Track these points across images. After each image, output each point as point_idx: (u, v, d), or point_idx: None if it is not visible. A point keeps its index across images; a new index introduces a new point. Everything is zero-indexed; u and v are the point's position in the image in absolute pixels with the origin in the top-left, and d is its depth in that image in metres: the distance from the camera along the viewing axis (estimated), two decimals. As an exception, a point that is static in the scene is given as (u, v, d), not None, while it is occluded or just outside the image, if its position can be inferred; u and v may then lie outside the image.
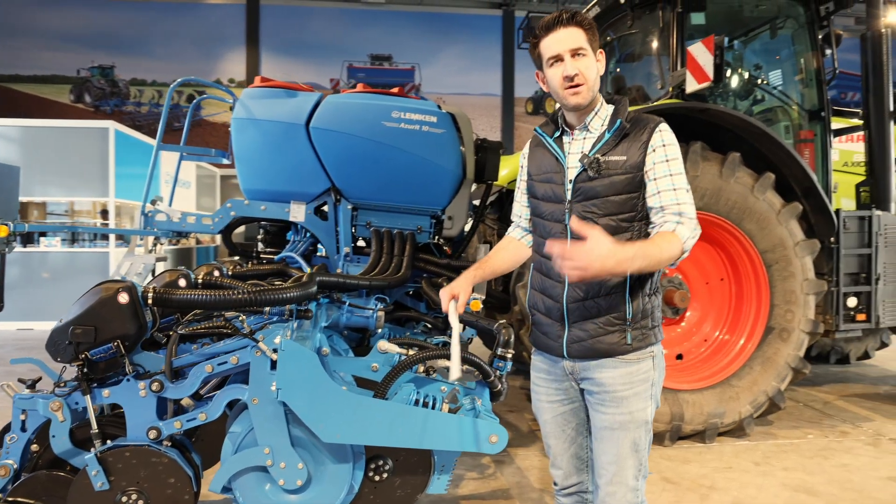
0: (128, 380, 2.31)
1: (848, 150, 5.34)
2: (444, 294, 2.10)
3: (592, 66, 1.91)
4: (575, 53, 1.89)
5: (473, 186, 4.63)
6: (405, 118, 4.40)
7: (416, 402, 2.45)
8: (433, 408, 2.44)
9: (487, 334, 3.42)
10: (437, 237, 4.75)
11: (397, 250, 4.38)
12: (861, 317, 4.57)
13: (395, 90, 4.70)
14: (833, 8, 4.84)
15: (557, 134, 2.04)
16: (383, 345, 2.69)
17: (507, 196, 5.65)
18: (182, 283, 2.95)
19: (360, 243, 4.61)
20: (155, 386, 2.27)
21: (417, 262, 4.44)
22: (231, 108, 5.11)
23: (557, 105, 2.05)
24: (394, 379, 2.46)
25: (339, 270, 4.49)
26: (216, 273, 3.81)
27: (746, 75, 5.22)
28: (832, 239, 4.49)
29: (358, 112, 4.38)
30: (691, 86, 4.26)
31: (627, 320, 1.91)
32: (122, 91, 15.84)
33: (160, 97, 15.85)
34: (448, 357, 2.59)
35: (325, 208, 4.71)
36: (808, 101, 5.03)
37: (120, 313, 2.24)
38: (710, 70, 4.14)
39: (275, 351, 2.23)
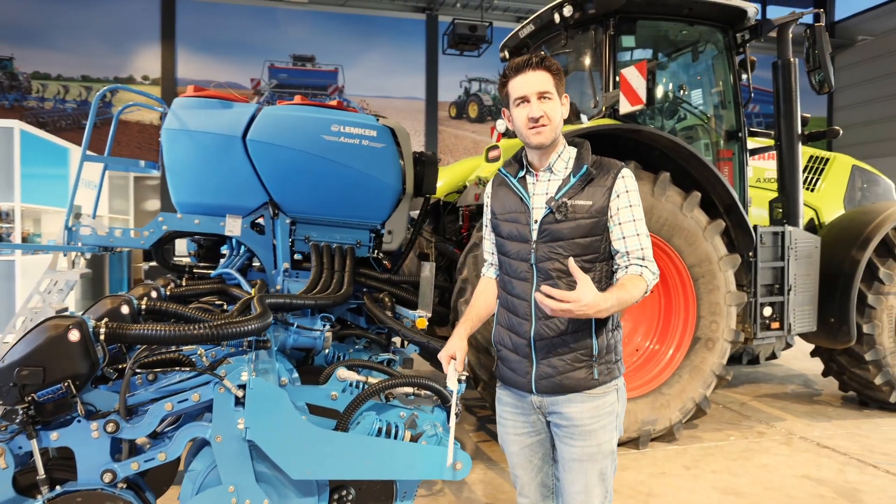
0: (78, 421, 2.18)
1: (760, 167, 5.73)
2: (444, 358, 2.13)
3: (557, 109, 2.00)
4: (541, 96, 1.98)
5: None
6: (345, 132, 4.39)
7: (379, 431, 2.46)
8: (395, 436, 2.45)
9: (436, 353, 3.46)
10: (376, 251, 4.75)
11: (338, 265, 4.35)
12: (775, 325, 4.93)
13: (334, 103, 4.67)
14: (748, 37, 5.19)
15: (521, 174, 2.11)
16: (343, 373, 2.67)
17: (443, 208, 5.71)
18: (125, 310, 2.82)
19: (297, 257, 4.54)
20: (110, 427, 2.15)
21: (358, 277, 4.43)
22: (161, 118, 4.91)
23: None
24: (356, 409, 2.45)
25: (278, 287, 4.41)
26: (154, 294, 3.67)
27: (671, 95, 5.50)
28: (751, 253, 4.81)
29: (297, 125, 4.33)
30: (625, 107, 4.45)
31: (594, 356, 2.00)
32: (23, 85, 14.72)
33: (66, 93, 14.87)
34: (413, 385, 2.62)
35: (262, 222, 4.61)
36: (726, 122, 5.37)
37: (70, 351, 2.12)
38: (642, 94, 4.36)
39: (240, 388, 2.17)
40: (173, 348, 2.46)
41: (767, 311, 4.90)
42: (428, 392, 2.69)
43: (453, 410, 2.13)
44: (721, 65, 5.33)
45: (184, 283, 4.45)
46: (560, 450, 2.07)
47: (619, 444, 4.39)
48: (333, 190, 4.37)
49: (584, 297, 1.77)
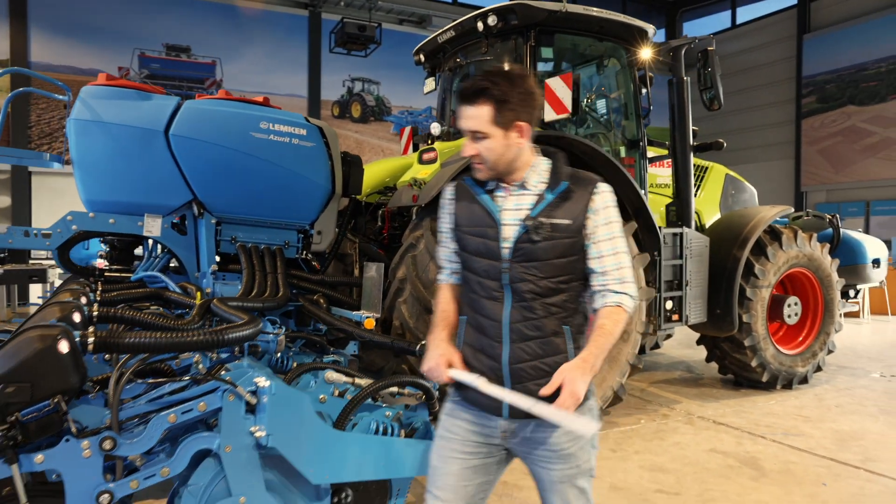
0: (66, 440, 1.99)
1: (652, 174, 6.29)
2: (439, 367, 1.94)
3: (495, 148, 1.84)
4: (474, 136, 1.85)
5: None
6: (274, 129, 4.32)
7: (376, 431, 2.48)
8: (392, 435, 2.48)
9: (406, 353, 3.50)
10: (304, 252, 4.69)
11: (269, 267, 4.26)
12: (675, 317, 5.45)
13: (261, 99, 4.55)
14: (648, 54, 5.69)
15: (490, 187, 1.95)
16: (331, 375, 2.65)
17: (364, 209, 5.70)
18: (76, 318, 2.60)
19: (217, 259, 4.36)
20: (107, 444, 1.98)
21: (290, 279, 4.35)
22: (66, 107, 4.51)
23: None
24: (353, 411, 2.45)
25: (208, 290, 4.21)
26: (83, 300, 3.39)
27: (582, 106, 5.89)
28: (656, 252, 5.29)
29: (224, 121, 4.19)
30: (549, 115, 4.73)
31: None
32: None
33: None
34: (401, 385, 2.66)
35: (180, 221, 4.39)
36: (628, 131, 5.85)
37: (60, 364, 1.93)
38: (568, 103, 4.66)
39: (252, 394, 2.10)
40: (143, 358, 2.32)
41: (669, 305, 5.41)
42: (412, 390, 2.74)
43: (482, 381, 1.89)
44: (624, 79, 5.80)
45: (99, 288, 4.12)
46: (539, 473, 1.94)
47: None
48: (262, 189, 4.25)
49: (577, 383, 1.72)
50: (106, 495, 2.01)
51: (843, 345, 8.41)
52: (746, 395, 5.95)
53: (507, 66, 1.86)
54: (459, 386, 1.96)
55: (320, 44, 16.59)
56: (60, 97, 4.78)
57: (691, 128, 5.78)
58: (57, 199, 13.34)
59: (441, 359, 1.95)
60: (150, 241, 4.61)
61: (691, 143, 5.77)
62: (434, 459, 2.01)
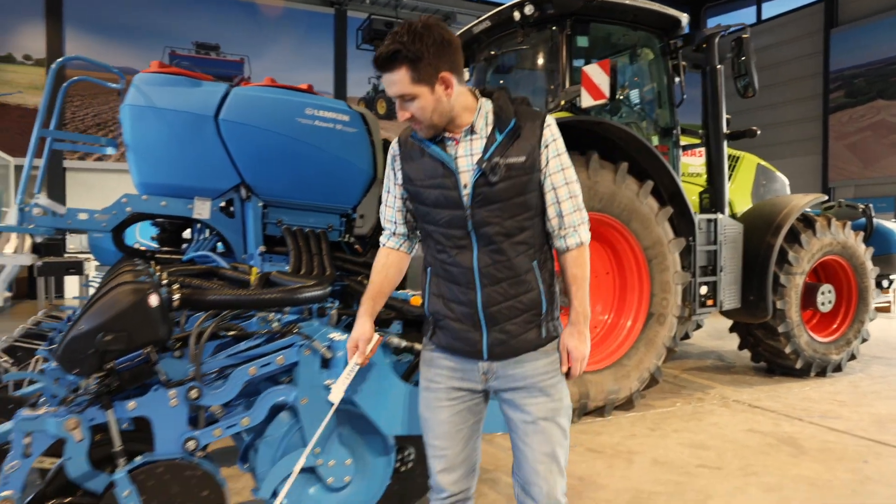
0: (155, 389, 2.13)
1: (685, 163, 6.34)
2: (350, 346, 2.07)
3: (427, 105, 1.82)
4: (402, 99, 1.84)
5: None
6: (319, 115, 4.44)
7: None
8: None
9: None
10: (347, 236, 4.81)
11: (314, 249, 4.37)
12: (710, 302, 5.50)
13: (305, 86, 4.68)
14: (681, 43, 5.75)
15: (438, 138, 1.92)
16: (393, 340, 2.76)
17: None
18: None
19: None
20: (193, 393, 2.12)
21: (335, 261, 4.47)
22: (120, 94, 4.68)
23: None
24: (416, 369, 2.56)
25: (257, 270, 4.35)
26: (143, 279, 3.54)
27: (617, 93, 5.95)
28: (691, 238, 5.34)
29: (272, 107, 4.32)
30: (587, 102, 4.81)
31: (542, 314, 1.93)
32: None
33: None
34: None
35: (230, 205, 4.53)
36: (662, 120, 5.90)
37: (151, 317, 2.07)
38: (605, 89, 4.73)
39: (328, 348, 2.22)
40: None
41: (703, 290, 5.46)
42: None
43: (350, 366, 2.07)
44: (657, 68, 5.86)
45: (157, 269, 4.28)
46: (519, 416, 1.95)
47: (585, 413, 4.77)
48: (308, 173, 4.38)
49: (581, 350, 1.94)
50: (192, 441, 2.14)
51: (875, 336, 8.34)
52: (780, 382, 5.97)
53: (413, 22, 1.80)
54: (434, 335, 2.01)
55: (346, 41, 16.79)
56: (114, 85, 4.96)
57: (724, 116, 5.82)
58: (89, 193, 13.70)
59: (352, 342, 2.06)
60: (199, 224, 4.76)
61: (725, 130, 5.81)
62: (424, 411, 2.04)
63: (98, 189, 13.63)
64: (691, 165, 6.46)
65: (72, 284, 12.35)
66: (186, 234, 5.17)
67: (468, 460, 2.03)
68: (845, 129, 19.05)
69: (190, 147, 4.21)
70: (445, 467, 2.00)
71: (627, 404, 4.94)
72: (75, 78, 4.96)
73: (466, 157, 1.88)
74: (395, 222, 2.10)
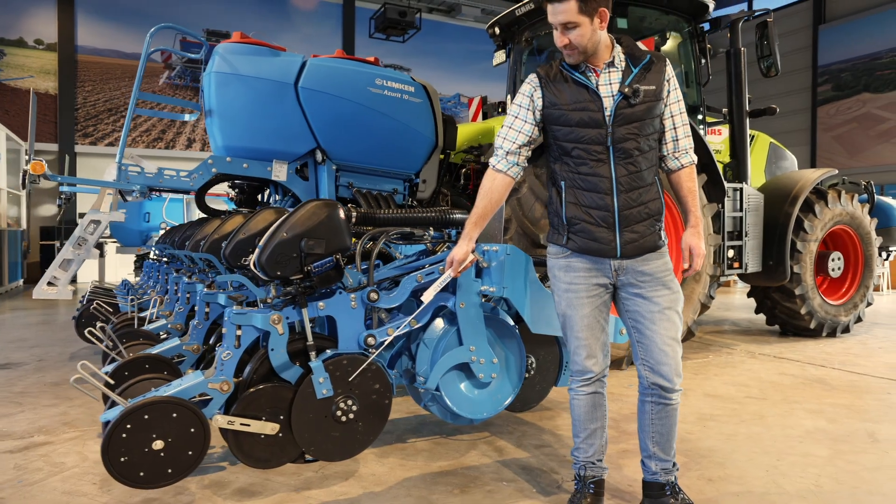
0: (340, 292, 2.51)
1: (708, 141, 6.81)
2: (448, 259, 2.40)
3: (585, 34, 2.18)
4: (565, 27, 2.19)
5: None
6: (388, 86, 4.81)
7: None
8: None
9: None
10: (410, 199, 5.19)
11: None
12: (736, 264, 5.98)
13: (372, 59, 5.05)
14: (708, 27, 6.21)
15: (582, 69, 2.28)
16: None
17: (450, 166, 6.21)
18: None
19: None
20: (373, 295, 2.51)
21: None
22: (202, 62, 4.99)
23: None
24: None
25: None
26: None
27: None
28: (720, 205, 5.81)
29: (346, 76, 4.68)
30: (631, 77, 5.24)
31: (660, 219, 2.32)
32: None
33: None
34: None
35: (304, 168, 4.86)
36: (689, 98, 6.36)
37: (341, 227, 2.45)
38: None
39: (483, 257, 2.62)
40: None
41: (731, 253, 5.94)
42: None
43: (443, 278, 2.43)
44: (685, 50, 6.31)
45: None
46: (646, 306, 2.29)
47: (632, 363, 5.21)
48: (378, 139, 4.74)
49: (701, 247, 2.31)
50: (371, 338, 2.53)
51: (870, 311, 8.94)
52: (796, 341, 6.47)
53: None
54: (570, 240, 2.32)
55: (354, 31, 17.07)
56: (195, 55, 5.27)
57: (747, 95, 6.30)
58: (99, 178, 13.80)
59: (449, 258, 2.40)
60: (275, 186, 5.10)
61: (747, 108, 6.28)
62: (566, 310, 2.36)
63: (107, 174, 13.77)
64: (712, 143, 6.94)
65: (85, 269, 12.46)
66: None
67: (604, 345, 2.40)
68: (833, 121, 19.80)
69: (271, 113, 4.53)
70: (589, 353, 2.35)
71: (667, 355, 5.39)
72: (157, 48, 5.26)
73: (606, 85, 2.26)
74: (522, 145, 2.38)
